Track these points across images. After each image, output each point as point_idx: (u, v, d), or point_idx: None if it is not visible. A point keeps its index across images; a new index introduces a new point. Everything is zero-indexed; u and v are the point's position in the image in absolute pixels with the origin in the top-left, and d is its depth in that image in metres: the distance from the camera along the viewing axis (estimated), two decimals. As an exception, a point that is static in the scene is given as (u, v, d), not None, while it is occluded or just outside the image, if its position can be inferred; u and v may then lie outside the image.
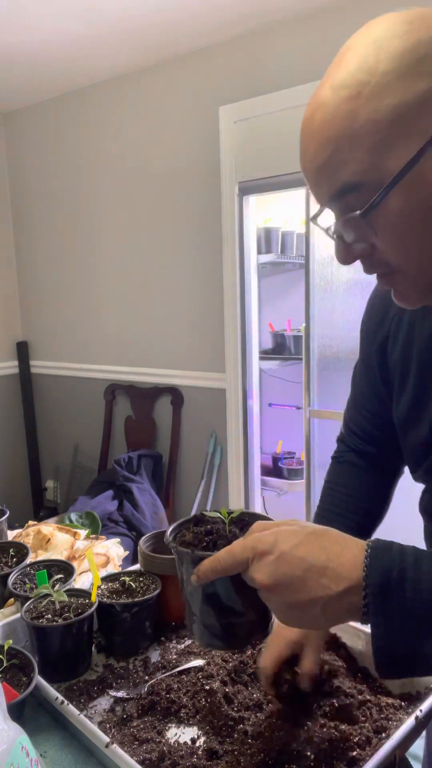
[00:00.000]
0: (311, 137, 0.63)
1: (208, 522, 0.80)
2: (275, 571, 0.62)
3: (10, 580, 1.16)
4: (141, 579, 1.15)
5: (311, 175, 0.65)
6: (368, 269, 0.69)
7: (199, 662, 1.00)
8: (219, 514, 0.79)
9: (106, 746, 0.80)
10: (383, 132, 0.58)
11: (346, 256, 0.67)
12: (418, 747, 0.89)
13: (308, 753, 0.79)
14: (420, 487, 0.92)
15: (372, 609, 0.59)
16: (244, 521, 0.80)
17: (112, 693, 0.96)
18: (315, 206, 2.36)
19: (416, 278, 0.66)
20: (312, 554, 0.62)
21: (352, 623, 1.03)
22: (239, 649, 0.76)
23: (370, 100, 0.58)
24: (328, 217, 0.69)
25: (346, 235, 0.65)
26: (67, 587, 1.12)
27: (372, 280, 0.72)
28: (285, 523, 0.67)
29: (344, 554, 0.62)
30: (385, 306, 0.88)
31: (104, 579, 1.15)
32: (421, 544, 0.90)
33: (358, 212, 0.61)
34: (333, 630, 1.05)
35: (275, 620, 0.72)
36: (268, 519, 0.74)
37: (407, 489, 0.99)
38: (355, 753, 0.80)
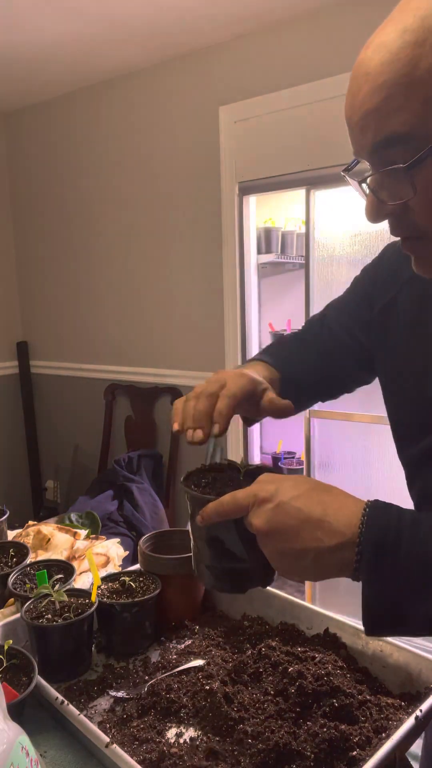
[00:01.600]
0: (366, 78, 0.61)
1: (224, 468, 0.84)
2: (272, 518, 0.65)
3: (10, 580, 1.16)
4: (141, 579, 1.15)
5: (358, 119, 0.63)
6: (395, 230, 0.67)
7: (199, 662, 1.00)
8: (236, 462, 0.82)
9: (106, 746, 0.80)
10: None
11: (377, 213, 0.65)
12: (418, 747, 0.90)
13: (308, 753, 0.79)
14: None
15: (364, 567, 0.60)
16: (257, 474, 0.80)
17: (112, 693, 0.96)
18: (315, 205, 2.35)
19: None
20: (309, 507, 0.64)
21: (352, 623, 1.03)
22: (239, 592, 0.78)
23: None
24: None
25: (382, 189, 0.63)
26: (67, 587, 1.12)
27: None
28: (292, 477, 0.69)
29: (342, 510, 0.63)
30: (395, 267, 0.87)
31: (104, 579, 1.15)
32: None
33: (402, 164, 0.59)
34: (333, 630, 1.05)
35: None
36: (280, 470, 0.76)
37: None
38: (355, 753, 0.80)
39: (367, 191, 0.65)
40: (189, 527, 0.79)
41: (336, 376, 1.02)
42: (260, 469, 0.82)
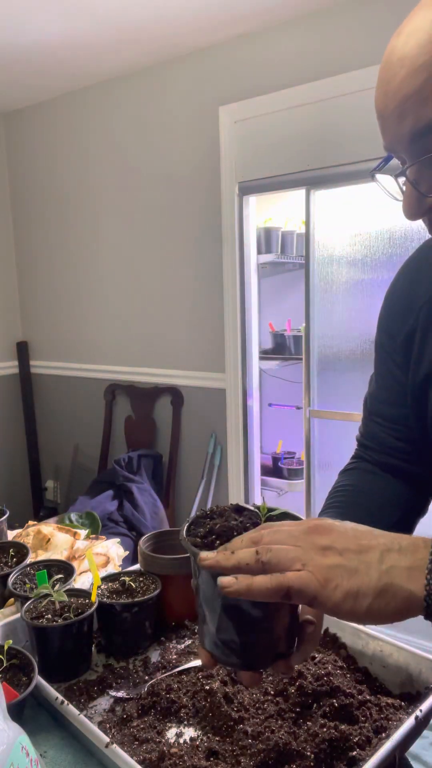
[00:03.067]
0: (402, 62, 0.58)
1: (230, 516, 0.68)
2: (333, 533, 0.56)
3: (10, 580, 1.16)
4: (141, 579, 1.15)
5: (395, 106, 0.59)
6: None
7: (199, 662, 1.00)
8: (257, 509, 0.67)
9: (106, 746, 0.80)
10: None
11: (417, 207, 0.62)
12: (418, 747, 0.90)
13: (308, 753, 0.79)
14: None
15: None
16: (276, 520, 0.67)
17: (112, 693, 0.96)
18: (315, 205, 2.36)
19: None
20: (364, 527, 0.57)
21: (352, 623, 1.03)
22: (257, 669, 0.64)
23: None
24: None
25: (422, 181, 0.60)
26: (67, 587, 1.12)
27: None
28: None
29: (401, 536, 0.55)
30: (408, 299, 0.82)
31: (104, 579, 1.15)
32: None
33: None
34: (333, 630, 1.05)
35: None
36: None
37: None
38: (355, 753, 0.80)
39: (403, 187, 0.62)
40: (194, 587, 0.65)
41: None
42: (284, 515, 0.68)
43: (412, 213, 0.62)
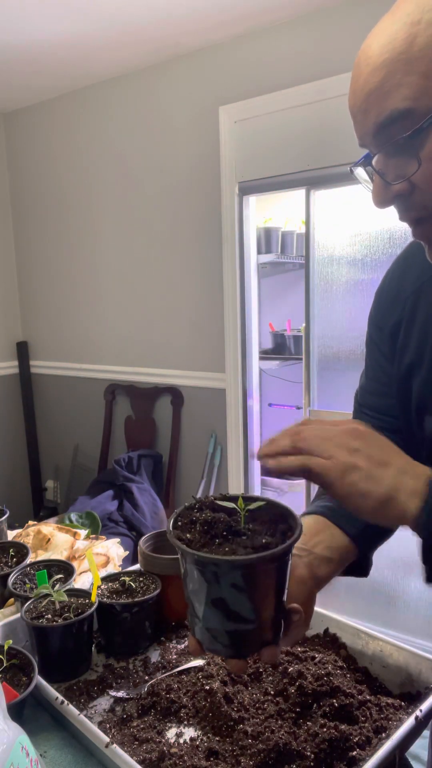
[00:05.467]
0: (366, 62, 0.63)
1: (219, 509, 0.70)
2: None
3: (10, 580, 1.16)
4: (141, 579, 1.15)
5: (360, 102, 0.64)
6: (404, 212, 0.67)
7: (199, 662, 1.00)
8: (234, 505, 0.69)
9: (106, 746, 0.80)
10: None
11: (384, 195, 0.65)
12: (418, 747, 0.90)
13: (308, 753, 0.80)
14: None
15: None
16: (261, 513, 0.70)
17: (112, 693, 0.96)
18: (315, 205, 2.36)
19: None
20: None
21: (352, 623, 1.03)
22: (243, 657, 0.67)
23: (429, 25, 0.59)
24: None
25: (387, 170, 0.64)
26: (67, 587, 1.12)
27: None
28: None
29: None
30: (394, 293, 0.86)
31: (104, 579, 1.15)
32: None
33: (405, 134, 0.61)
34: (333, 630, 1.05)
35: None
36: (291, 513, 0.69)
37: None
38: (355, 753, 0.80)
39: (372, 177, 0.66)
40: (182, 579, 0.68)
41: None
42: (266, 506, 0.71)
43: (379, 201, 0.66)
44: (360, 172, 0.69)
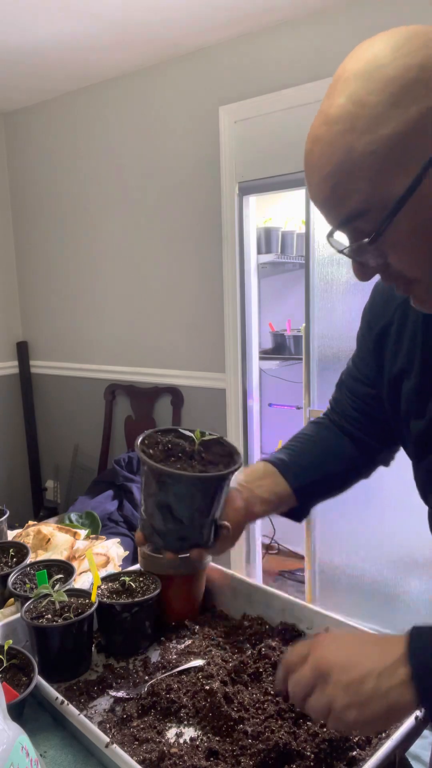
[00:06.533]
0: (313, 171, 0.66)
1: (181, 437, 0.89)
2: (333, 645, 0.71)
3: (10, 580, 1.16)
4: (141, 579, 1.15)
5: (318, 205, 0.67)
6: (387, 281, 0.70)
7: (199, 662, 1.00)
8: (192, 435, 0.87)
9: (106, 746, 0.80)
10: (381, 162, 0.59)
11: (363, 274, 0.69)
12: (418, 747, 0.89)
13: (308, 753, 0.80)
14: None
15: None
16: (212, 445, 0.89)
17: (112, 693, 0.96)
18: (315, 206, 2.31)
19: None
20: (359, 635, 0.76)
21: (352, 623, 1.03)
22: (176, 552, 0.86)
23: (364, 133, 0.59)
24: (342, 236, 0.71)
25: (360, 258, 0.68)
26: (67, 587, 1.12)
27: (374, 277, 0.73)
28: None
29: (386, 638, 0.69)
30: (388, 293, 0.89)
31: (104, 579, 1.15)
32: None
33: (366, 240, 0.63)
34: (333, 630, 1.05)
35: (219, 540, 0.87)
36: (236, 452, 0.88)
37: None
38: (355, 753, 0.80)
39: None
40: (141, 492, 0.86)
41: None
42: (218, 442, 0.89)
43: (360, 278, 0.70)
44: (336, 243, 0.72)
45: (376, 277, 0.78)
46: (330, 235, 0.71)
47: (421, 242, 0.63)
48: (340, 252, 0.69)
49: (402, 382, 0.86)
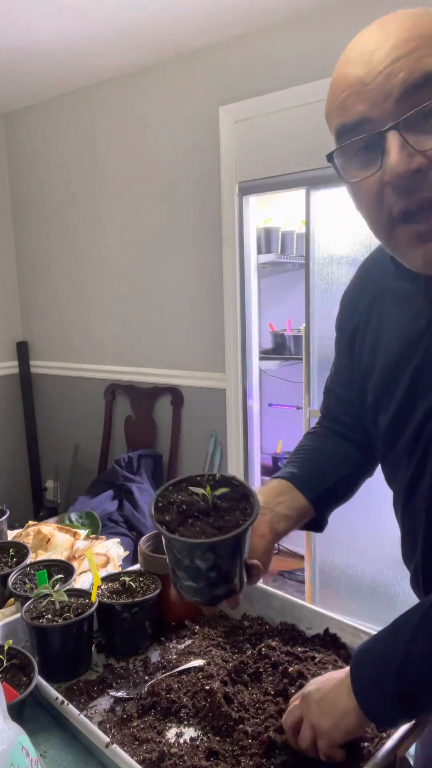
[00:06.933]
0: (386, 38, 0.63)
1: (194, 484, 0.87)
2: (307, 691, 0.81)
3: (10, 580, 1.16)
4: (141, 579, 1.15)
5: (383, 66, 0.62)
6: (415, 193, 0.63)
7: (199, 662, 1.00)
8: (203, 491, 0.84)
9: (106, 746, 0.80)
10: None
11: (408, 161, 0.62)
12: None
13: (308, 753, 0.79)
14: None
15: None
16: (229, 492, 0.85)
17: (112, 693, 0.96)
18: (315, 205, 2.33)
19: None
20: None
21: (352, 623, 1.03)
22: (214, 605, 0.85)
23: None
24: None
25: (414, 136, 0.62)
26: (67, 587, 1.12)
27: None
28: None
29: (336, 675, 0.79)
30: (354, 301, 0.92)
31: (104, 579, 1.15)
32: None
33: None
34: (333, 630, 1.05)
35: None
36: (252, 494, 0.84)
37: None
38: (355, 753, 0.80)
39: (389, 148, 0.63)
40: (167, 553, 0.83)
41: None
42: (230, 490, 0.85)
43: (403, 166, 0.62)
44: (350, 150, 0.66)
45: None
46: (352, 134, 0.65)
47: None
48: (386, 131, 0.62)
49: (367, 381, 0.89)
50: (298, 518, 0.95)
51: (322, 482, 0.97)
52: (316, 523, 0.99)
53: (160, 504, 0.84)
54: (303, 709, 0.79)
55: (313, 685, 0.81)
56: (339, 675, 0.78)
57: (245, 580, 0.84)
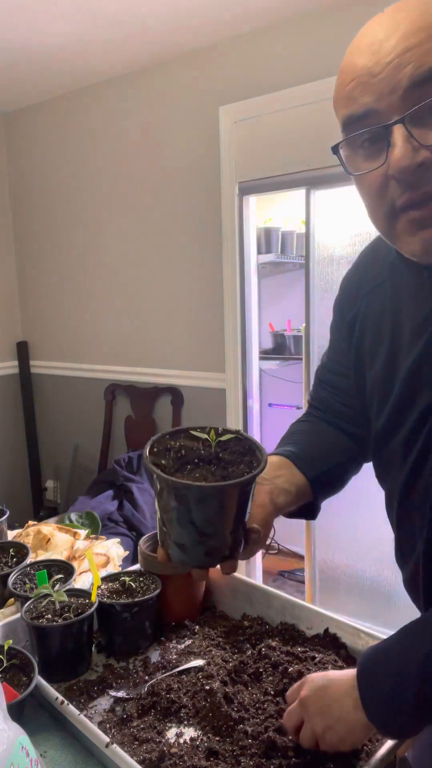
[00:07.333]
0: (395, 28, 0.62)
1: (193, 438, 0.79)
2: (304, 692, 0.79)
3: (10, 580, 1.16)
4: (141, 579, 1.15)
5: (391, 58, 0.62)
6: (419, 187, 0.64)
7: (199, 662, 1.00)
8: (207, 436, 0.77)
9: (106, 746, 0.80)
10: None
11: (413, 155, 0.62)
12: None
13: (308, 753, 0.79)
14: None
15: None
16: (229, 442, 0.79)
17: (112, 693, 0.96)
18: (315, 205, 2.34)
19: None
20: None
21: (352, 623, 1.03)
22: (206, 567, 0.78)
23: None
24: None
25: (419, 129, 0.62)
26: (67, 587, 1.12)
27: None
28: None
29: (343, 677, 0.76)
30: (355, 287, 0.91)
31: (104, 579, 1.15)
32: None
33: None
34: (333, 630, 1.05)
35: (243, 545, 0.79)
36: (259, 447, 0.78)
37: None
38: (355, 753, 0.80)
39: (395, 141, 0.63)
40: (156, 505, 0.76)
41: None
42: (236, 438, 0.79)
43: (408, 160, 0.62)
44: (355, 142, 0.66)
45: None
46: (344, 141, 0.67)
47: None
48: (392, 125, 0.62)
49: (365, 371, 0.88)
50: (297, 495, 0.92)
51: (321, 464, 0.95)
52: (310, 508, 0.96)
53: (156, 449, 0.76)
54: (303, 714, 0.77)
55: (310, 688, 0.77)
56: (340, 683, 0.74)
57: (242, 544, 0.77)
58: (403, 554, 0.87)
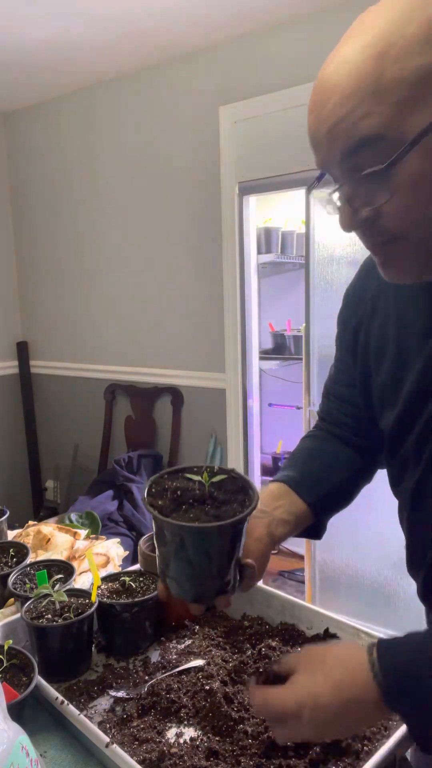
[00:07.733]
0: (333, 91, 0.65)
1: (188, 480, 0.82)
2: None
3: (10, 580, 1.16)
4: (141, 579, 1.15)
5: (327, 129, 0.66)
6: (369, 237, 0.69)
7: (199, 662, 1.00)
8: (200, 478, 0.81)
9: (106, 746, 0.80)
10: (407, 90, 0.59)
11: (351, 221, 0.67)
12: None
13: (308, 753, 0.79)
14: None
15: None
16: (223, 482, 0.81)
17: (112, 693, 0.96)
18: (315, 205, 2.35)
19: (417, 247, 0.66)
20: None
21: (352, 623, 1.03)
22: (202, 603, 0.80)
23: (396, 60, 0.59)
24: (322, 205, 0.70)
25: (355, 198, 0.66)
26: (67, 587, 1.12)
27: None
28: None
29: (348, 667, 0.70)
30: (359, 294, 0.91)
31: (104, 579, 1.15)
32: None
33: (379, 166, 0.61)
34: (333, 630, 1.05)
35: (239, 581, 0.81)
36: (251, 486, 0.80)
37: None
38: (355, 753, 0.80)
39: (338, 202, 0.68)
40: (155, 542, 0.79)
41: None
42: (229, 477, 0.82)
43: (347, 225, 0.68)
44: (320, 194, 0.71)
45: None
46: (314, 185, 0.72)
47: (425, 189, 0.62)
48: (335, 191, 0.67)
49: (371, 377, 0.88)
50: (297, 523, 0.92)
51: (321, 486, 0.95)
52: (314, 529, 0.96)
53: (153, 490, 0.80)
54: (295, 729, 0.70)
55: (303, 705, 0.68)
56: (344, 692, 0.68)
57: (238, 579, 0.80)
58: (413, 562, 0.87)
